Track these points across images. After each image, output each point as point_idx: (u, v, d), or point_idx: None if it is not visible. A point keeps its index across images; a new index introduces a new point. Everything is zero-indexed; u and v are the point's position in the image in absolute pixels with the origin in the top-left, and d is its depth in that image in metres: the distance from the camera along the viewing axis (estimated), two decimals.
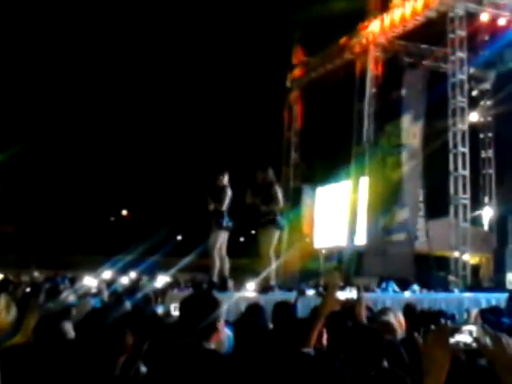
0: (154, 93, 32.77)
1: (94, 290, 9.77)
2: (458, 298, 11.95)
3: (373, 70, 21.40)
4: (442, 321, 3.90)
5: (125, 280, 13.70)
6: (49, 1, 29.42)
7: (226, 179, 9.67)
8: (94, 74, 32.42)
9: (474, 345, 2.29)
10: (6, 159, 25.89)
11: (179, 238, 33.69)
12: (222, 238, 9.56)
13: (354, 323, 3.52)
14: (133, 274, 17.98)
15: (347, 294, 2.86)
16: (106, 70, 32.30)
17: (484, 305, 10.07)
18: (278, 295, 9.39)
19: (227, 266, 9.58)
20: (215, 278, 9.47)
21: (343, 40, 22.78)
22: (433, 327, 2.35)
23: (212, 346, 3.62)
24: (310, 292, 9.81)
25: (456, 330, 2.30)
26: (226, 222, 9.50)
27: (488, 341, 2.26)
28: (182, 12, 29.80)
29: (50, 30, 30.93)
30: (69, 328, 3.75)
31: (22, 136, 29.39)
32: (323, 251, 24.59)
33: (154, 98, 32.96)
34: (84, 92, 32.85)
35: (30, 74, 31.82)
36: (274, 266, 9.47)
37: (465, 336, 2.31)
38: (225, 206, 9.49)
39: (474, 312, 7.47)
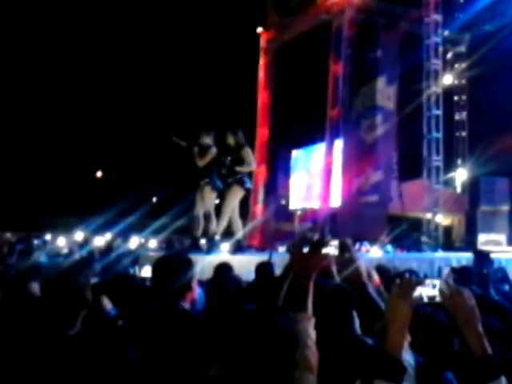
0: (130, 51, 32.33)
1: (65, 251, 9.77)
2: (429, 258, 12.16)
3: (348, 31, 21.27)
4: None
5: (99, 241, 13.67)
6: None
7: (210, 138, 9.58)
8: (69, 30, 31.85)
9: (438, 298, 2.39)
10: None
11: (154, 199, 33.60)
12: (210, 198, 9.47)
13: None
14: (108, 236, 17.94)
15: (327, 250, 2.87)
16: (81, 24, 31.75)
17: (455, 264, 10.26)
18: (252, 255, 9.51)
19: (215, 226, 9.40)
20: (198, 236, 9.42)
21: (319, 0, 22.56)
22: (398, 280, 2.44)
23: (187, 305, 3.69)
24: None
25: (420, 282, 2.40)
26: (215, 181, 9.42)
27: (449, 293, 2.36)
28: None
29: None
30: (35, 288, 3.80)
31: None
32: (298, 213, 24.75)
33: (130, 58, 32.52)
34: (60, 48, 32.29)
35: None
36: (240, 225, 9.41)
37: (428, 289, 2.41)
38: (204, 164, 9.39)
39: (446, 271, 7.64)
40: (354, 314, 3.28)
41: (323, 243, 2.81)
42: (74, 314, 2.78)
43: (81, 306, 2.82)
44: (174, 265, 3.81)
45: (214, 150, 9.49)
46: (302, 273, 2.75)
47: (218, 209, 9.72)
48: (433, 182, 18.15)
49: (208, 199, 9.49)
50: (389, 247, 15.51)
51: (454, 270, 7.54)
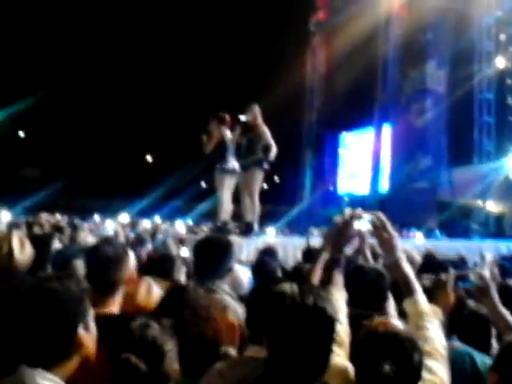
0: (177, 39, 32.50)
1: (111, 233, 9.88)
2: (478, 246, 11.90)
3: (398, 12, 20.90)
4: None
5: (146, 224, 13.82)
6: None
7: (214, 123, 9.32)
8: (114, 30, 32.19)
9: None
10: (30, 104, 26.06)
11: (203, 184, 33.81)
12: (229, 180, 9.23)
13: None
14: (155, 219, 18.16)
15: (358, 225, 2.87)
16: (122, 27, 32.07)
17: (505, 252, 10.02)
18: (295, 239, 9.47)
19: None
20: (219, 222, 9.25)
21: None
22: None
23: (225, 285, 3.71)
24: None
25: (461, 277, 2.46)
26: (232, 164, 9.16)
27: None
28: None
29: None
30: (80, 265, 3.86)
31: (46, 82, 29.42)
32: (346, 198, 24.58)
33: (175, 43, 32.66)
34: (106, 43, 32.71)
35: (53, 23, 31.72)
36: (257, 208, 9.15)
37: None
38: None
39: (489, 257, 7.43)
40: (389, 296, 3.26)
41: (355, 216, 2.83)
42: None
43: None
44: (214, 246, 3.86)
45: (219, 133, 9.16)
46: (333, 246, 2.82)
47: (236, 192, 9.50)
48: (484, 168, 17.75)
49: (230, 183, 9.27)
50: (437, 233, 15.25)
51: (499, 257, 7.35)
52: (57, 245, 5.31)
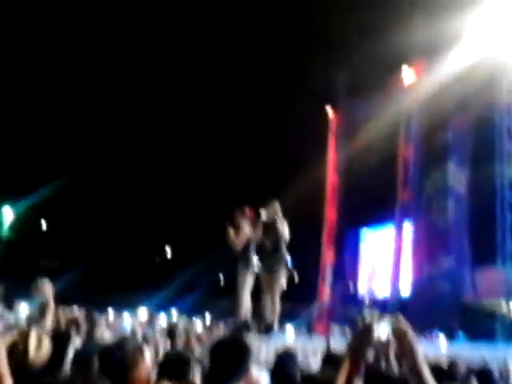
0: (201, 130, 33.12)
1: (128, 331, 9.73)
2: (503, 351, 11.53)
3: (418, 111, 21.25)
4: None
5: (162, 321, 13.63)
6: None
7: (244, 217, 9.31)
8: (140, 121, 32.98)
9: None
10: (52, 193, 26.44)
11: (222, 280, 33.60)
12: (250, 278, 9.14)
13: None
14: (173, 313, 17.98)
15: (378, 330, 2.79)
16: (155, 116, 32.84)
17: None
18: (316, 341, 9.25)
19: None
20: (239, 320, 9.08)
21: (388, 81, 22.71)
22: None
23: None
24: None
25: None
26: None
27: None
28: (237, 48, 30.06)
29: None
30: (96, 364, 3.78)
31: (67, 172, 29.87)
32: (366, 298, 24.20)
33: (199, 134, 33.25)
34: (126, 133, 33.41)
35: (75, 109, 32.58)
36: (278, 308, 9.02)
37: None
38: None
39: None
40: None
41: (375, 320, 2.77)
42: None
43: None
44: (231, 349, 3.75)
45: (247, 229, 9.12)
46: (355, 352, 2.76)
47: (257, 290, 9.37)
48: (508, 270, 17.44)
49: (250, 281, 9.16)
50: (460, 336, 14.86)
51: None
52: (77, 342, 5.21)
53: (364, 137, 22.53)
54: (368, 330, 2.72)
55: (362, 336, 2.74)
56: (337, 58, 22.54)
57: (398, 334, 2.62)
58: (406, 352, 2.59)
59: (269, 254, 8.98)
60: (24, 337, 3.60)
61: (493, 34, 18.63)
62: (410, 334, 2.59)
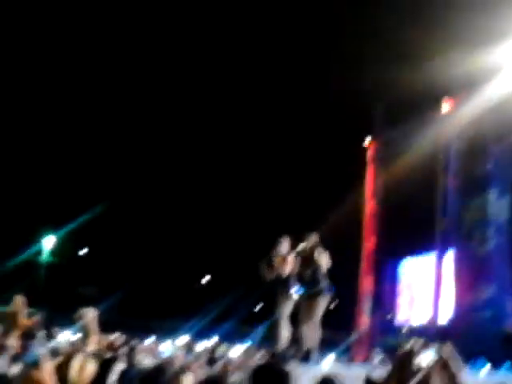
0: (238, 161, 33.33)
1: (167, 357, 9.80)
2: None
3: (457, 143, 21.13)
4: None
5: (200, 347, 13.65)
6: None
7: (285, 246, 9.40)
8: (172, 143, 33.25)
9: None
10: (91, 220, 26.83)
11: (257, 307, 33.58)
12: (289, 306, 9.20)
13: None
14: (212, 340, 17.97)
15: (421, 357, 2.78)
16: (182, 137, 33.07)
17: None
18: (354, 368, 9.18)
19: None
20: (279, 349, 9.10)
21: (427, 113, 22.66)
22: None
23: None
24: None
25: None
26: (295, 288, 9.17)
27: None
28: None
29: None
30: None
31: (107, 197, 30.21)
32: (405, 327, 23.87)
33: (238, 165, 33.45)
34: (169, 158, 33.74)
35: (113, 135, 33.03)
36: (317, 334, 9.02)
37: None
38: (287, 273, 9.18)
39: None
40: None
41: (420, 347, 2.75)
42: None
43: None
44: (270, 376, 3.77)
45: (290, 259, 9.25)
46: (398, 380, 2.74)
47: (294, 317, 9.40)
48: None
49: (288, 309, 9.24)
50: (505, 367, 14.54)
51: None
52: (120, 366, 5.29)
53: (402, 166, 22.43)
54: (409, 355, 2.72)
55: (403, 360, 2.74)
56: (376, 87, 22.61)
57: (443, 362, 2.58)
58: (450, 379, 2.56)
59: (307, 284, 9.08)
60: (68, 359, 3.68)
61: None
62: (456, 362, 2.56)
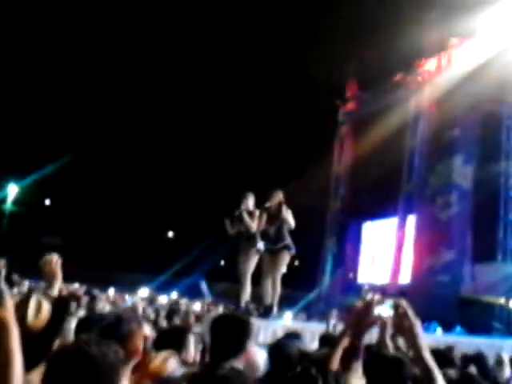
0: (205, 120, 33.15)
1: (128, 305, 9.82)
2: (499, 345, 11.56)
3: (427, 108, 21.22)
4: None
5: (163, 299, 13.72)
6: None
7: (251, 201, 9.41)
8: (147, 97, 32.96)
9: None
10: (56, 170, 26.54)
11: (222, 263, 33.80)
12: (253, 262, 9.25)
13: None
14: (173, 295, 18.07)
15: (380, 311, 2.83)
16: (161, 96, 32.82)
17: None
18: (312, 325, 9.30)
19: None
20: (242, 304, 9.17)
21: (398, 77, 22.72)
22: None
23: (240, 365, 3.62)
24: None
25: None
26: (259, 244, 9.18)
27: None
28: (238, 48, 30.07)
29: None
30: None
31: (72, 149, 29.90)
32: (365, 287, 24.25)
33: (204, 122, 33.28)
34: (135, 111, 33.42)
35: (82, 87, 32.60)
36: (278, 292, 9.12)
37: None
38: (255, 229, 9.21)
39: (506, 358, 7.23)
40: None
41: (377, 301, 2.80)
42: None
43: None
44: (231, 324, 3.78)
45: (257, 213, 9.28)
46: (353, 332, 2.79)
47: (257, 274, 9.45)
48: (508, 267, 17.48)
49: (252, 265, 9.27)
50: (458, 329, 14.91)
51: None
52: (80, 313, 5.27)
53: (371, 130, 22.54)
54: (368, 307, 2.76)
55: (361, 313, 2.78)
56: (348, 52, 22.57)
57: (400, 313, 2.63)
58: (406, 331, 2.60)
59: (272, 240, 9.09)
60: (24, 301, 3.64)
61: (504, 33, 18.60)
62: (411, 313, 2.61)
